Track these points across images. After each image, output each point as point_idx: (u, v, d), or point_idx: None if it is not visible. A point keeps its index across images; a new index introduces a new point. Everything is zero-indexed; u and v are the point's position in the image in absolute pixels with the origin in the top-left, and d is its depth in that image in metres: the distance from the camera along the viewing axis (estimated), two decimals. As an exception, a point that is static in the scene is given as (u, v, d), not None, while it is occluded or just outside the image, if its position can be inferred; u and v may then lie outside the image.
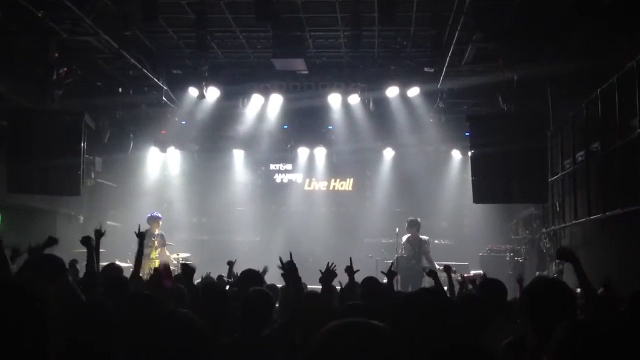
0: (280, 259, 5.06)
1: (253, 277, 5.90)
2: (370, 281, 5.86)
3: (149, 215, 12.46)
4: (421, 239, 11.99)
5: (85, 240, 5.75)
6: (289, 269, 4.89)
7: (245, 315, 4.02)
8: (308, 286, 6.85)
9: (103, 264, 6.68)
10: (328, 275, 5.21)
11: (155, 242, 11.96)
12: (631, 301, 3.13)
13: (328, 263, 5.44)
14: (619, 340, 2.09)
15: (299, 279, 5.09)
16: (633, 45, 7.52)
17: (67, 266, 5.06)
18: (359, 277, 6.40)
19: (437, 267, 11.12)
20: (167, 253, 12.32)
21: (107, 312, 3.53)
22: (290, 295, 5.10)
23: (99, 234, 6.12)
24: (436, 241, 13.90)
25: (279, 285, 6.63)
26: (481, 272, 12.57)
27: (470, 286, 6.98)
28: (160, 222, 12.47)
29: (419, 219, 12.23)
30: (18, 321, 1.97)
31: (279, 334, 4.14)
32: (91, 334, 3.37)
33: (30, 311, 2.01)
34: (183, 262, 8.07)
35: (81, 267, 6.76)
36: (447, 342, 2.34)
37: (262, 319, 4.04)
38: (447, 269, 7.38)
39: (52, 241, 5.48)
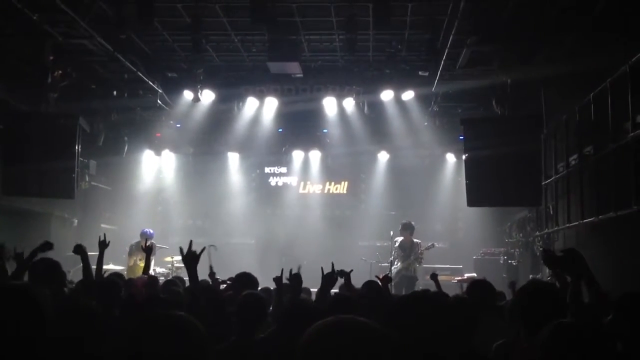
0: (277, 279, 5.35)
1: (248, 280, 5.91)
2: (370, 285, 5.88)
3: (142, 230, 12.33)
4: (413, 242, 11.96)
5: (78, 249, 5.73)
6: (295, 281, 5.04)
7: (239, 319, 4.03)
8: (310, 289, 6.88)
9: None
10: (327, 282, 5.28)
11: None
12: (619, 303, 3.16)
13: (321, 268, 5.48)
14: (600, 342, 2.14)
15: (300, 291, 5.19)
16: (626, 49, 7.56)
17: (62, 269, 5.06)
18: (353, 280, 6.41)
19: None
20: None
21: (97, 316, 3.53)
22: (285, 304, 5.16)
23: (104, 244, 6.10)
24: (430, 244, 13.92)
25: (272, 288, 6.64)
26: (475, 275, 12.64)
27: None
28: (152, 240, 12.13)
29: (412, 222, 12.22)
30: (19, 324, 1.99)
31: (274, 337, 4.16)
32: (81, 336, 3.38)
33: (32, 314, 2.03)
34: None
35: (75, 271, 6.78)
36: (439, 345, 2.36)
37: (255, 322, 4.05)
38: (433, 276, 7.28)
39: (47, 246, 5.45)
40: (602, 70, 8.24)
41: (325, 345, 1.42)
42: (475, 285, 5.10)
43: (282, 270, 5.53)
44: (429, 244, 12.12)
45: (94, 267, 6.18)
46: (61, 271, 5.05)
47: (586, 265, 3.61)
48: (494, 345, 3.60)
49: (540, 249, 11.80)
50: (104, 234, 6.21)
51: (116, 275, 7.04)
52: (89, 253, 5.94)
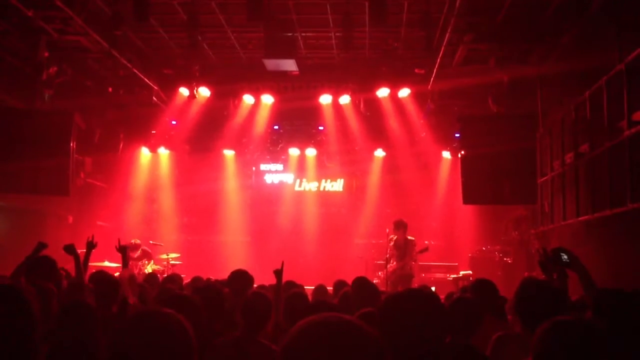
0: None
1: (243, 277, 5.92)
2: (361, 281, 5.87)
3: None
4: (407, 239, 11.91)
5: (69, 249, 5.73)
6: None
7: (244, 318, 4.04)
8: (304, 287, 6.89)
9: (96, 264, 6.68)
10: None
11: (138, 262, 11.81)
12: (595, 300, 3.21)
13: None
14: (595, 339, 2.17)
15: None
16: (621, 47, 7.58)
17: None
18: (349, 278, 6.42)
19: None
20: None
21: (92, 312, 3.54)
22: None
23: (91, 246, 6.09)
24: (426, 242, 13.91)
25: (267, 285, 6.65)
26: (470, 272, 12.67)
27: None
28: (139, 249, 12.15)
29: (404, 220, 12.17)
30: (11, 319, 2.01)
31: (275, 337, 4.18)
32: (77, 332, 3.40)
33: (22, 310, 2.05)
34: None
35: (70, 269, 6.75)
36: (434, 342, 2.36)
37: (261, 320, 4.07)
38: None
39: (42, 246, 5.48)
40: (598, 68, 8.25)
41: (308, 343, 1.41)
42: (479, 285, 5.15)
43: (283, 263, 5.52)
44: (423, 248, 12.00)
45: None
46: (57, 268, 5.05)
47: (581, 265, 3.63)
48: (494, 337, 3.67)
49: (536, 246, 11.82)
50: (92, 236, 6.17)
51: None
52: (82, 250, 5.95)
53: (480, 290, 4.95)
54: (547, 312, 3.05)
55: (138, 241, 12.20)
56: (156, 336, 1.93)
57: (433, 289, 10.48)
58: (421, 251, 11.75)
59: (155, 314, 2.03)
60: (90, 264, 6.82)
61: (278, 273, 5.52)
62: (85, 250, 6.07)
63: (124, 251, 6.85)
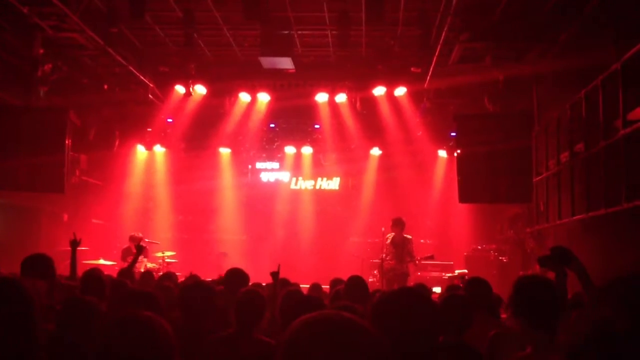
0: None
1: (239, 276, 5.92)
2: (356, 280, 5.87)
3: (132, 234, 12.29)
4: (405, 238, 11.91)
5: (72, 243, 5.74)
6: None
7: (237, 317, 4.04)
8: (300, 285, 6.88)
9: (91, 262, 6.67)
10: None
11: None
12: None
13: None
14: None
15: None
16: (617, 47, 7.59)
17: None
18: (344, 276, 6.41)
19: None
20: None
21: (92, 309, 3.54)
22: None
23: (75, 243, 6.09)
24: (421, 240, 13.93)
25: (264, 284, 6.65)
26: (466, 271, 12.68)
27: None
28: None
29: (403, 218, 12.18)
30: (12, 311, 2.03)
31: (271, 331, 4.18)
32: (74, 327, 3.40)
33: (23, 303, 2.07)
34: None
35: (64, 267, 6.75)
36: (428, 339, 2.37)
37: (254, 317, 4.07)
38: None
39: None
40: (593, 67, 8.27)
41: (308, 340, 1.41)
42: (473, 283, 5.18)
43: (279, 265, 5.54)
44: (429, 255, 11.96)
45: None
46: (53, 267, 5.03)
47: (580, 264, 3.64)
48: (491, 335, 3.71)
49: (532, 245, 11.85)
50: (74, 233, 6.16)
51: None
52: (78, 248, 5.95)
53: (473, 288, 4.98)
54: (542, 308, 3.08)
55: (140, 234, 12.21)
56: (137, 339, 1.95)
57: (437, 289, 10.51)
58: (426, 258, 11.73)
59: (135, 317, 2.04)
60: (85, 262, 6.84)
61: (275, 275, 5.56)
62: (71, 252, 6.07)
63: (140, 249, 7.02)
